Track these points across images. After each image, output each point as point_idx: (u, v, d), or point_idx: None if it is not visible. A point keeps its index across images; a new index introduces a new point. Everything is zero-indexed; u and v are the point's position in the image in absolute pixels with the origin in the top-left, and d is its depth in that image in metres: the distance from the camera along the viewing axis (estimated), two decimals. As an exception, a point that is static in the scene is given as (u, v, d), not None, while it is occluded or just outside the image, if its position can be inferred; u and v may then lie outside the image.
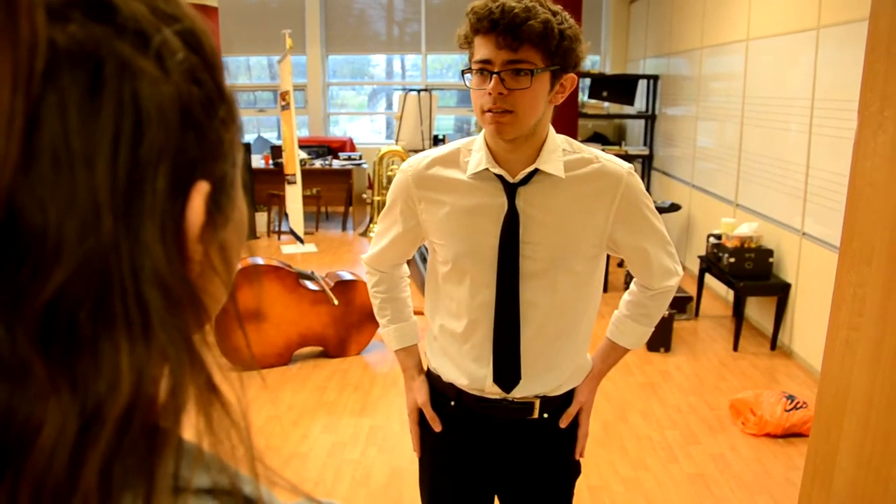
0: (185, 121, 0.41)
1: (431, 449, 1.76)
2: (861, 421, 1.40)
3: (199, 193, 0.42)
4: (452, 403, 1.68)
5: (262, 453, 0.45)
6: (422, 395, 1.72)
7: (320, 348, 4.84)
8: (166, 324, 0.39)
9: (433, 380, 1.73)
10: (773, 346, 4.95)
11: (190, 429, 0.42)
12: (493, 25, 1.36)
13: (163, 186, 0.39)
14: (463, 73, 1.48)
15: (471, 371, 1.61)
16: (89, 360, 0.37)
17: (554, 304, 1.57)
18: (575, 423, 1.71)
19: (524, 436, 1.66)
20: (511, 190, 1.51)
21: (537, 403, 1.63)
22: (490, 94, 1.40)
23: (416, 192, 1.59)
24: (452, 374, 1.65)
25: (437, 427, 1.70)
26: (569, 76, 1.47)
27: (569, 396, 1.69)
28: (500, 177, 1.52)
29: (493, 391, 1.61)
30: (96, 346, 0.37)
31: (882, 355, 1.33)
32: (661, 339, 4.88)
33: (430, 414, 1.71)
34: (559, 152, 1.54)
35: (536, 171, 1.51)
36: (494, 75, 1.38)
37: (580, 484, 1.80)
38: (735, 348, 4.96)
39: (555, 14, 1.39)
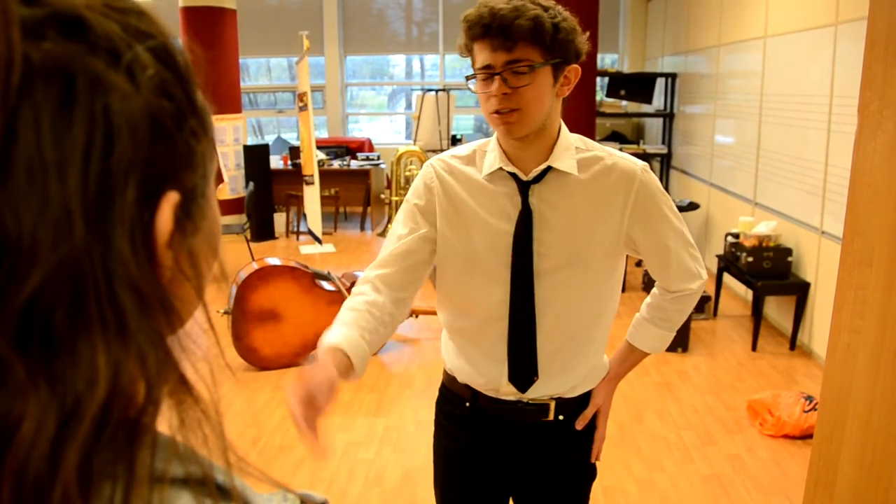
0: (156, 133, 0.43)
1: (445, 450, 1.76)
2: (863, 425, 1.39)
3: (169, 202, 0.44)
4: (467, 405, 1.67)
5: (233, 444, 0.47)
6: (321, 385, 1.31)
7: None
8: (140, 324, 0.41)
9: (448, 381, 1.73)
10: (793, 345, 4.90)
11: (165, 423, 0.45)
12: (486, 30, 1.39)
13: (132, 195, 0.41)
14: (467, 79, 1.50)
15: (486, 370, 1.61)
16: (67, 358, 0.39)
17: (569, 303, 1.56)
18: (591, 426, 1.70)
19: (539, 438, 1.65)
20: (524, 188, 1.52)
21: (552, 405, 1.62)
22: (495, 95, 1.42)
23: (438, 183, 1.60)
24: (468, 373, 1.65)
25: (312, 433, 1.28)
26: (572, 67, 1.48)
27: (585, 398, 1.67)
28: (513, 175, 1.53)
29: (508, 392, 1.61)
30: (74, 344, 0.39)
31: (882, 358, 1.32)
32: (678, 339, 4.84)
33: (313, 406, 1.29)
34: (572, 150, 1.54)
35: (549, 168, 1.52)
36: (496, 77, 1.41)
37: (595, 485, 1.80)
38: (753, 348, 4.91)
39: (546, 9, 1.40)
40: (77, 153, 0.39)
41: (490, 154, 1.56)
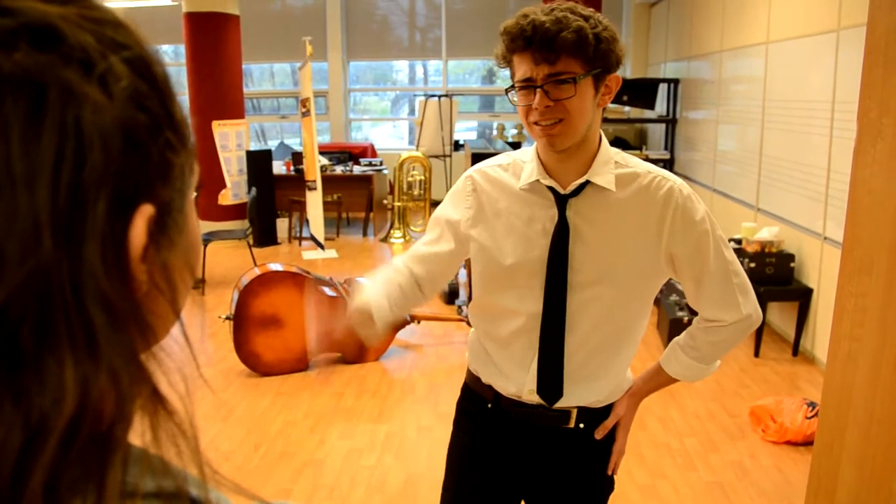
0: (130, 145, 0.42)
1: (463, 449, 1.76)
2: (863, 433, 1.38)
3: (142, 216, 0.43)
4: (489, 406, 1.67)
5: (209, 457, 0.46)
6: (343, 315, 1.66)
7: (338, 354, 4.86)
8: (111, 340, 0.40)
9: (472, 381, 1.73)
10: (795, 351, 4.89)
11: (139, 436, 0.44)
12: (528, 43, 1.37)
13: (104, 209, 0.40)
14: (507, 91, 1.48)
15: (513, 375, 1.61)
16: (32, 374, 0.38)
17: (599, 318, 1.55)
18: (611, 438, 1.68)
19: (558, 444, 1.65)
20: (562, 201, 1.51)
21: (574, 413, 1.62)
22: (537, 108, 1.40)
23: (477, 195, 1.60)
24: (492, 377, 1.65)
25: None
26: (612, 76, 1.46)
27: (607, 410, 1.66)
28: (551, 188, 1.51)
29: (530, 398, 1.61)
30: (40, 360, 0.38)
31: (882, 366, 1.31)
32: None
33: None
34: (611, 164, 1.52)
35: (587, 182, 1.50)
36: (538, 89, 1.39)
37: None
38: (756, 354, 4.90)
39: (587, 19, 1.38)
40: (47, 165, 0.38)
41: (528, 165, 1.55)
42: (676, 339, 1.67)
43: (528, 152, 1.59)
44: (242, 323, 4.56)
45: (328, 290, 4.74)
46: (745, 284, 1.57)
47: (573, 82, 1.38)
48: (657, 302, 5.08)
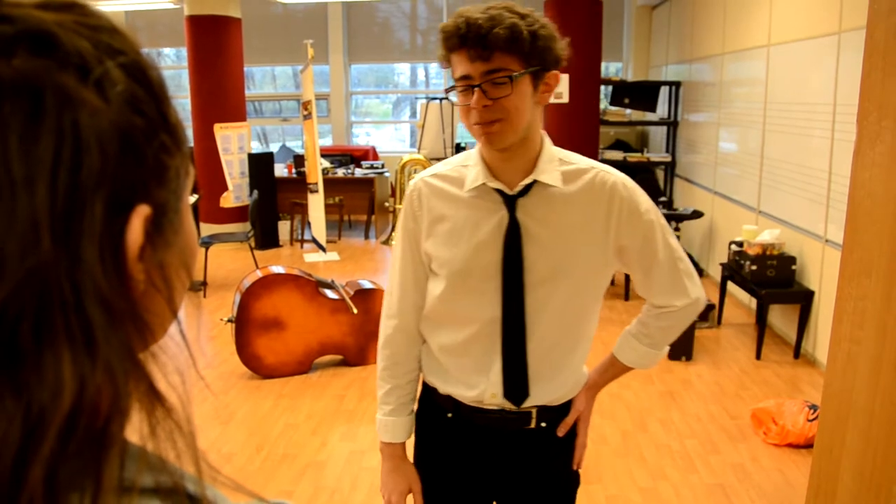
0: (126, 148, 0.43)
1: (427, 461, 1.76)
2: (863, 436, 1.38)
3: (139, 216, 0.44)
4: (450, 415, 1.68)
5: (206, 454, 0.47)
6: (416, 482, 1.72)
7: (340, 357, 4.86)
8: (109, 338, 0.42)
9: (429, 392, 1.73)
10: (797, 354, 4.89)
11: (136, 432, 0.45)
12: (462, 40, 1.38)
13: (101, 209, 0.42)
14: (447, 91, 1.49)
15: (472, 382, 1.61)
16: (32, 370, 0.39)
17: (556, 314, 1.56)
18: (573, 434, 1.71)
19: (522, 445, 1.66)
20: (511, 202, 1.51)
21: (534, 412, 1.63)
22: (475, 107, 1.41)
23: (425, 202, 1.60)
24: (451, 387, 1.65)
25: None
26: (552, 74, 1.46)
27: (566, 406, 1.68)
28: (498, 190, 1.52)
29: (491, 402, 1.61)
30: (39, 356, 0.39)
31: (882, 369, 1.31)
32: (682, 348, 4.84)
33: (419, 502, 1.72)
34: (556, 162, 1.53)
35: (534, 182, 1.51)
36: (476, 89, 1.39)
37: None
38: (758, 356, 4.90)
39: (523, 17, 1.39)
40: (45, 167, 0.39)
41: (472, 169, 1.55)
42: (627, 328, 1.72)
43: (470, 156, 1.58)
44: (244, 325, 4.57)
45: (330, 294, 4.74)
46: (690, 269, 1.63)
47: (510, 81, 1.38)
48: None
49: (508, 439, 1.65)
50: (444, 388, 1.66)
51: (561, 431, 1.67)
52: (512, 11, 1.38)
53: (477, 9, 1.39)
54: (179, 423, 0.46)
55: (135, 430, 0.45)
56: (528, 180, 1.50)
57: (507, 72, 1.38)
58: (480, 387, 1.60)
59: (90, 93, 0.42)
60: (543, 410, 1.64)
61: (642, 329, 1.68)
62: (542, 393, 1.61)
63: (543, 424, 1.65)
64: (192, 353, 0.50)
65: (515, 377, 1.58)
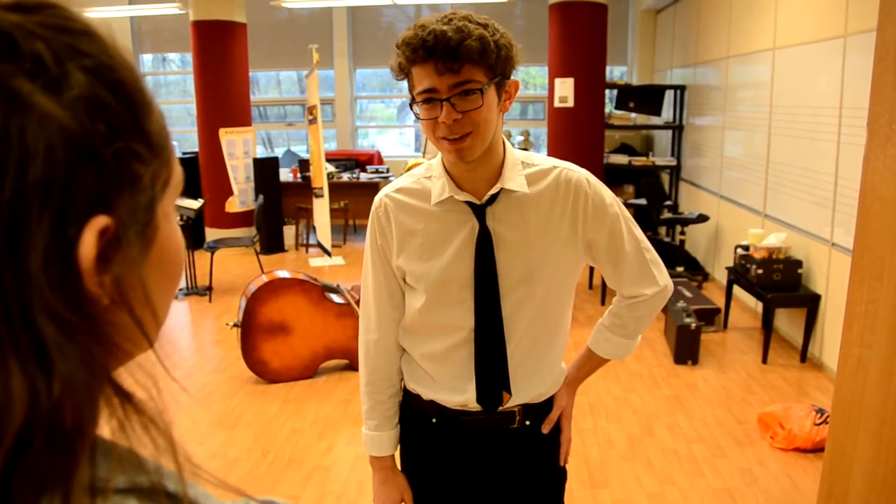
0: (80, 156, 0.41)
1: (414, 467, 1.76)
2: (874, 440, 1.37)
3: (92, 228, 0.42)
4: (434, 421, 1.68)
5: (186, 450, 0.46)
6: (407, 490, 1.74)
7: (346, 361, 4.86)
8: (64, 351, 0.40)
9: (411, 399, 1.72)
10: (803, 358, 4.87)
11: (111, 433, 0.44)
12: (430, 53, 1.33)
13: (48, 220, 0.40)
14: (410, 105, 1.44)
15: (456, 387, 1.62)
16: None
17: (533, 315, 1.58)
18: (558, 430, 1.72)
19: (507, 445, 1.67)
20: (479, 211, 1.51)
21: (518, 411, 1.64)
22: (444, 122, 1.38)
23: (392, 217, 1.58)
24: (435, 392, 1.65)
25: None
26: (512, 81, 1.46)
27: (548, 403, 1.69)
28: (467, 202, 1.52)
29: (476, 405, 1.62)
30: None
31: (894, 372, 1.30)
32: (688, 352, 4.83)
33: None
34: (519, 166, 1.54)
35: (501, 189, 1.51)
36: (445, 103, 1.36)
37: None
38: (764, 361, 4.89)
39: (486, 27, 1.37)
40: None
41: (437, 182, 1.53)
42: (601, 321, 1.73)
43: (433, 167, 1.57)
44: (250, 330, 4.57)
45: (336, 298, 4.74)
46: (657, 258, 1.65)
47: (480, 93, 1.36)
48: (665, 310, 5.07)
49: (494, 440, 1.66)
50: (428, 394, 1.66)
51: (545, 428, 1.69)
52: (474, 22, 1.36)
53: (437, 19, 1.36)
54: (154, 418, 0.44)
55: (110, 430, 0.44)
56: (494, 189, 1.50)
57: (475, 83, 1.36)
58: (466, 390, 1.61)
59: (43, 97, 0.40)
60: (526, 409, 1.65)
61: (616, 321, 1.70)
62: (525, 391, 1.63)
63: (528, 423, 1.66)
64: (161, 358, 0.48)
65: (491, 381, 1.59)
